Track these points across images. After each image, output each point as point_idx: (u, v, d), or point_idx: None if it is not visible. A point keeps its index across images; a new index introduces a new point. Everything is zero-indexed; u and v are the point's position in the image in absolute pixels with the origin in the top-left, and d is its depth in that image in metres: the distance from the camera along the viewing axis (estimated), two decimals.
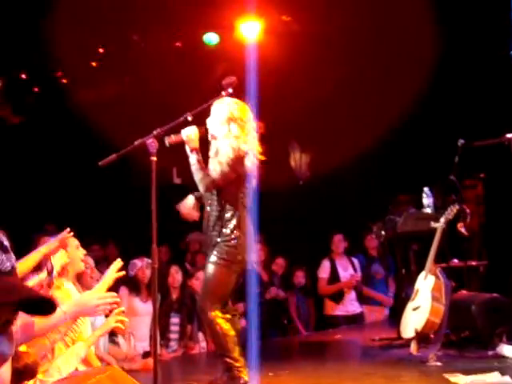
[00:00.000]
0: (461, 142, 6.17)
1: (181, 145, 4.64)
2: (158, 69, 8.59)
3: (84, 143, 8.77)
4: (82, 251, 4.18)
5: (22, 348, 3.21)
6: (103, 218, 8.74)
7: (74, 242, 4.11)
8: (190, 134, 4.55)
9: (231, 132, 4.55)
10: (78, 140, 8.99)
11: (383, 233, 6.46)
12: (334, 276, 8.19)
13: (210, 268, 4.52)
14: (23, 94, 9.28)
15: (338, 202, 8.82)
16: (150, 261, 6.53)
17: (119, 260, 3.55)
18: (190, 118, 4.26)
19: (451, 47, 7.84)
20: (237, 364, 4.37)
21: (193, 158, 4.56)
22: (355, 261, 8.34)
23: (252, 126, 4.66)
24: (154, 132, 4.07)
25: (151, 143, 4.01)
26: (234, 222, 4.51)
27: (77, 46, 8.45)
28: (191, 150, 4.57)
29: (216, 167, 4.52)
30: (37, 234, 5.56)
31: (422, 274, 5.56)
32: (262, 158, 4.65)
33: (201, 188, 4.57)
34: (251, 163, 4.57)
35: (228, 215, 4.52)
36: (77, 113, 8.70)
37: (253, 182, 4.65)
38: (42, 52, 8.41)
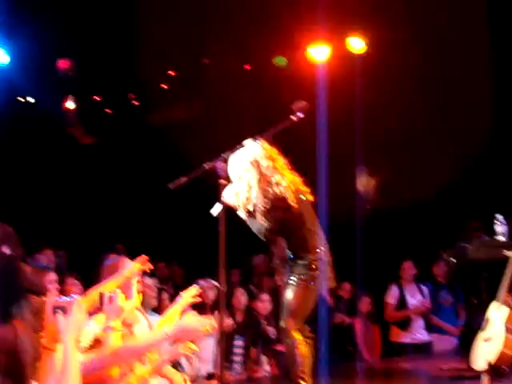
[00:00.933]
0: None
1: None
2: (228, 91, 8.68)
3: (154, 164, 8.92)
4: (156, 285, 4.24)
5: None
6: (171, 239, 8.84)
7: (129, 264, 4.17)
8: (227, 196, 4.43)
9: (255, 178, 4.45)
10: (148, 161, 9.15)
11: (454, 260, 6.31)
12: (402, 302, 8.02)
13: (291, 288, 4.49)
14: (96, 116, 9.53)
15: (408, 229, 8.67)
16: (214, 282, 6.61)
17: (196, 286, 3.62)
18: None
19: None
20: None
21: (241, 214, 4.52)
22: (424, 288, 8.16)
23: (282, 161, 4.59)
24: (224, 155, 4.10)
25: (220, 166, 4.03)
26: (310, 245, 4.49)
27: (149, 69, 8.64)
28: (235, 208, 4.50)
29: (262, 221, 4.47)
30: (107, 252, 5.66)
31: (494, 304, 5.39)
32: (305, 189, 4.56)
33: (262, 238, 4.56)
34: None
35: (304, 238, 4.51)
36: (148, 135, 8.87)
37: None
38: (116, 75, 8.64)
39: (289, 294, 4.49)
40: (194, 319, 3.29)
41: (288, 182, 4.47)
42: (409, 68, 7.93)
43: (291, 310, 4.46)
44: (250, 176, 4.43)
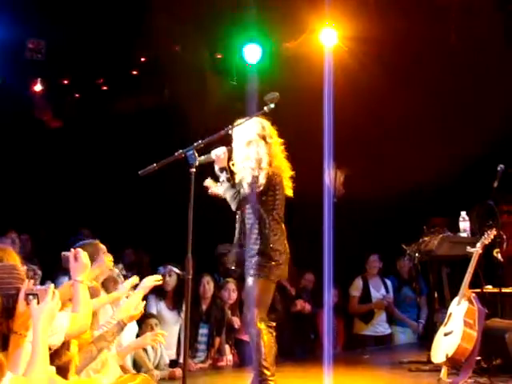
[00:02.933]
0: (500, 167, 6.11)
1: None
2: (198, 80, 8.65)
3: (124, 150, 8.86)
4: (109, 257, 4.24)
5: (73, 348, 3.29)
6: (138, 225, 8.80)
7: (102, 248, 4.20)
8: (219, 153, 4.63)
9: (251, 153, 4.64)
10: (117, 147, 9.08)
11: (417, 255, 6.40)
12: (366, 295, 8.14)
13: (252, 281, 4.58)
14: (64, 100, 9.42)
15: (375, 223, 8.76)
16: (174, 268, 6.61)
17: (159, 277, 3.84)
18: (230, 132, 4.28)
19: None
20: (271, 378, 4.46)
21: (222, 177, 4.66)
22: (388, 282, 8.28)
23: (279, 143, 4.74)
24: (195, 144, 4.09)
25: (191, 155, 4.03)
26: (270, 237, 4.59)
27: (118, 55, 8.56)
28: (220, 169, 4.66)
29: (243, 186, 4.63)
30: (73, 237, 5.62)
31: (456, 299, 5.49)
32: (290, 173, 4.75)
33: (233, 206, 4.67)
34: (271, 180, 4.61)
35: (265, 231, 4.59)
36: (117, 120, 8.79)
37: (282, 195, 4.71)
38: (85, 59, 8.54)
39: (250, 287, 4.57)
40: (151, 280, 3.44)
41: (279, 170, 4.64)
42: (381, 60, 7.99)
43: (254, 302, 4.54)
44: (253, 148, 4.62)
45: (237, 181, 4.70)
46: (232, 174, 4.74)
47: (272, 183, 4.59)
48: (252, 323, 4.52)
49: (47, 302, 2.62)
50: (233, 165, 4.74)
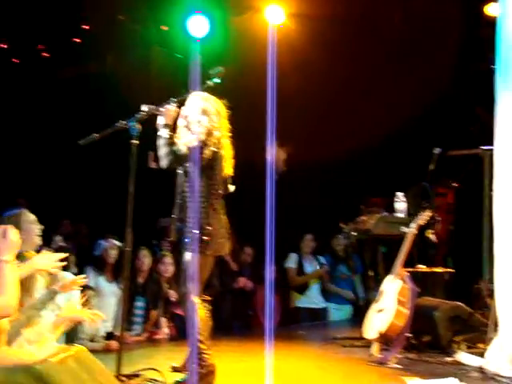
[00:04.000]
0: (437, 150, 6.26)
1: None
2: (144, 50, 8.55)
3: (63, 119, 8.71)
4: (38, 226, 4.16)
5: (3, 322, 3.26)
6: (77, 196, 8.69)
7: (29, 217, 4.12)
8: (169, 108, 4.51)
9: (202, 123, 4.54)
10: (56, 116, 8.92)
11: (354, 234, 6.52)
12: (300, 270, 8.27)
13: (189, 255, 4.51)
14: (3, 64, 9.17)
15: (312, 201, 8.87)
16: (115, 242, 6.58)
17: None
18: (174, 105, 4.25)
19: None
20: (207, 351, 4.44)
21: (164, 132, 4.49)
22: (322, 259, 8.42)
23: (226, 123, 4.68)
24: (137, 115, 4.07)
25: (133, 126, 4.00)
26: (207, 210, 4.54)
27: (60, 22, 8.38)
28: (164, 125, 4.51)
29: (182, 146, 4.52)
30: (10, 209, 5.50)
31: (389, 277, 5.63)
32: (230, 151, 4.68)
33: (164, 162, 4.51)
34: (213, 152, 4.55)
35: (202, 204, 4.54)
36: (58, 88, 8.62)
37: (222, 171, 4.65)
38: (25, 23, 8.33)
39: (187, 261, 4.52)
40: (45, 257, 3.45)
41: (222, 147, 4.58)
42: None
43: (189, 274, 4.50)
44: (207, 117, 4.52)
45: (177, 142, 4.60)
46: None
47: (215, 157, 4.57)
48: (186, 297, 4.51)
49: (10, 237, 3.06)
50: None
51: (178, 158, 4.47)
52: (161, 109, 4.47)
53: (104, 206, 8.21)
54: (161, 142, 4.48)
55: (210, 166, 4.55)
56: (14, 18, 8.31)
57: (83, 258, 6.65)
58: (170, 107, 4.50)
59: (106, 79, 8.85)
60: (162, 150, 4.48)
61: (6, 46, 9.09)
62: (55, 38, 8.86)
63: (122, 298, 4.15)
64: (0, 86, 9.17)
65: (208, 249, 4.54)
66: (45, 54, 9.17)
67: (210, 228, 4.53)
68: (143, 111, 4.36)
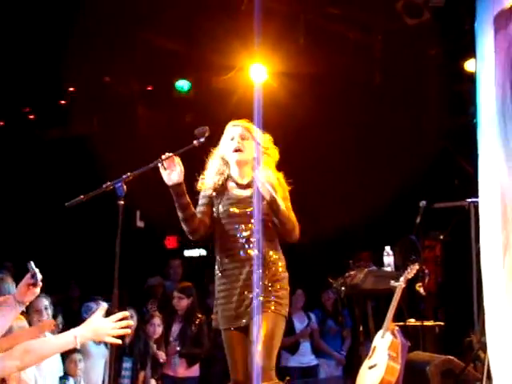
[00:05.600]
0: (423, 203, 6.30)
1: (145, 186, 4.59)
2: (130, 111, 8.64)
3: (48, 181, 8.72)
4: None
5: None
6: (66, 258, 8.64)
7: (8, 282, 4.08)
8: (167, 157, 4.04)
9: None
10: (42, 177, 8.93)
11: (343, 289, 6.50)
12: (290, 329, 8.19)
13: (267, 319, 3.99)
14: None
15: (300, 257, 8.86)
16: (104, 303, 6.51)
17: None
18: (161, 164, 4.23)
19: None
20: None
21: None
22: (312, 315, 8.37)
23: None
24: (123, 176, 4.06)
25: (120, 187, 3.99)
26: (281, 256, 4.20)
27: (46, 84, 8.47)
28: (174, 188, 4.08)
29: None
30: None
31: (380, 332, 5.59)
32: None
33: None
34: None
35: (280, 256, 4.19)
36: (43, 149, 8.66)
37: None
38: (9, 86, 8.40)
39: (267, 327, 3.99)
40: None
41: None
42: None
43: (270, 348, 4.01)
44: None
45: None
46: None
47: None
48: (268, 376, 4.00)
49: None
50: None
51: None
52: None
53: (92, 267, 8.16)
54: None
55: None
56: None
57: (72, 321, 6.57)
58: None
59: (93, 140, 8.91)
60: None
61: None
62: (41, 99, 8.94)
63: (110, 358, 4.07)
64: None
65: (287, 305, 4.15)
66: (30, 116, 9.24)
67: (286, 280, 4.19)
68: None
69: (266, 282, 4.03)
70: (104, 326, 3.13)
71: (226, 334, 4.14)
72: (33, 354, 3.01)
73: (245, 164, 4.23)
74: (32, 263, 3.38)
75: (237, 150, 4.19)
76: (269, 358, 3.95)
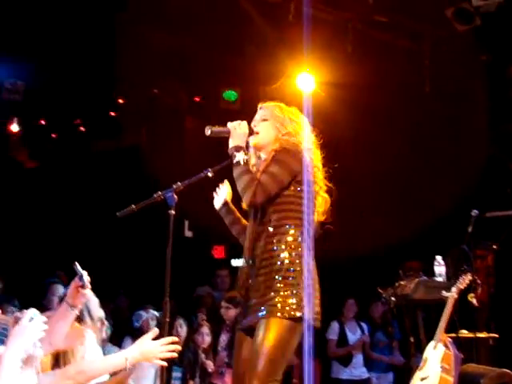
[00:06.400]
0: (474, 212, 6.19)
1: (196, 198, 4.59)
2: (178, 122, 8.72)
3: (100, 191, 8.85)
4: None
5: None
6: (116, 268, 8.75)
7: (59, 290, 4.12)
8: (240, 126, 3.73)
9: (285, 128, 3.77)
10: (93, 188, 9.07)
11: (393, 299, 6.41)
12: (343, 339, 8.13)
13: (266, 326, 3.52)
14: (41, 140, 9.42)
15: (350, 268, 8.79)
16: (155, 312, 6.57)
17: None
18: (210, 175, 4.22)
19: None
20: None
21: (239, 157, 3.64)
22: (364, 325, 8.29)
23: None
24: (174, 186, 4.08)
25: (170, 197, 4.01)
26: (297, 259, 3.59)
27: (96, 96, 8.61)
28: (237, 148, 3.67)
29: (271, 170, 3.62)
30: (48, 279, 5.56)
31: (432, 344, 5.50)
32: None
33: (247, 197, 3.62)
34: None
35: (286, 247, 3.60)
36: (94, 161, 8.80)
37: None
38: (62, 99, 8.58)
39: (261, 336, 3.52)
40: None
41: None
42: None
43: (265, 359, 3.49)
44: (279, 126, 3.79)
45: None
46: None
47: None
48: None
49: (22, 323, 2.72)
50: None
51: (264, 192, 3.57)
52: (229, 128, 3.75)
53: (141, 276, 8.24)
54: (237, 172, 3.65)
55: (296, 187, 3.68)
56: (51, 95, 8.57)
57: (122, 330, 6.65)
58: (240, 125, 3.74)
59: (142, 151, 9.02)
60: (242, 182, 3.62)
61: (44, 123, 9.35)
62: (91, 112, 9.10)
63: (160, 368, 4.10)
64: (41, 161, 9.40)
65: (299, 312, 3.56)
66: (81, 128, 9.41)
67: (302, 283, 3.62)
68: (208, 133, 3.78)
69: (261, 280, 3.59)
70: (153, 349, 3.17)
71: None
72: (85, 375, 3.10)
73: (262, 148, 3.81)
74: (77, 265, 3.41)
75: (251, 134, 3.79)
76: (265, 368, 3.46)
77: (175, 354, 3.29)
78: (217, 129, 3.80)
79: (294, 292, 3.55)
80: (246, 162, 3.68)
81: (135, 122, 9.15)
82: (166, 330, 3.96)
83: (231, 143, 3.74)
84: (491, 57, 7.79)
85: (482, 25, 6.93)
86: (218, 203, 4.10)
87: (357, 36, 7.63)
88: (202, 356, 6.88)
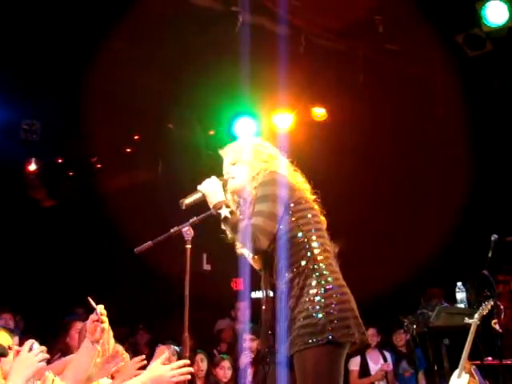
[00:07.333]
0: (494, 237, 6.13)
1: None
2: (193, 156, 8.76)
3: (116, 228, 8.88)
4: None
5: None
6: (134, 303, 8.74)
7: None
8: (208, 186, 3.70)
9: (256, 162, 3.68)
10: (110, 224, 9.11)
11: (414, 327, 6.34)
12: (365, 369, 8.02)
13: (302, 358, 3.28)
14: (59, 178, 9.50)
15: (370, 296, 8.72)
16: (176, 348, 6.53)
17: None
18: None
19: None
20: None
21: (224, 212, 3.57)
22: (387, 354, 8.18)
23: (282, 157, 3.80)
24: (190, 220, 4.08)
25: (187, 231, 4.00)
26: (318, 278, 3.36)
27: (112, 133, 8.68)
28: (217, 207, 3.61)
29: (259, 209, 3.48)
30: (68, 317, 5.56)
31: (456, 372, 5.42)
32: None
33: (250, 247, 3.49)
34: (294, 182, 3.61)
35: (306, 272, 3.39)
36: (110, 197, 8.85)
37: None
38: (78, 137, 8.66)
39: (303, 368, 3.27)
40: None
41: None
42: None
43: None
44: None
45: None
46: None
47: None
48: None
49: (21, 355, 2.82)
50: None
51: (267, 233, 3.41)
52: (197, 193, 3.71)
53: (162, 311, 8.22)
54: (230, 227, 3.57)
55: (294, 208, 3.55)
56: (67, 134, 8.66)
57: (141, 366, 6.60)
58: (208, 184, 3.69)
59: (158, 185, 9.06)
60: (239, 235, 3.51)
61: (61, 161, 9.44)
62: (106, 149, 9.17)
63: None
64: (59, 199, 9.47)
65: (338, 336, 3.30)
66: (98, 166, 9.48)
67: (335, 303, 3.40)
68: (184, 207, 3.75)
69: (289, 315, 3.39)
70: (164, 373, 3.15)
71: None
72: None
73: (242, 191, 3.73)
74: (91, 300, 3.42)
75: (227, 179, 3.75)
76: None
77: (189, 376, 3.24)
78: (189, 199, 3.76)
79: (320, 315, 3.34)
80: (233, 212, 3.60)
81: (151, 156, 9.21)
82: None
83: (210, 204, 3.68)
84: (505, 80, 7.79)
85: (494, 49, 6.93)
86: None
87: (368, 64, 7.67)
88: None
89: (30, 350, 2.82)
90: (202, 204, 3.82)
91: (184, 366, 3.18)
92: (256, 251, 3.56)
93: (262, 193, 3.53)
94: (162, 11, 6.70)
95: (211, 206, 3.67)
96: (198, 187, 3.72)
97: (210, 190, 3.67)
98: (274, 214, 3.47)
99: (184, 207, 3.78)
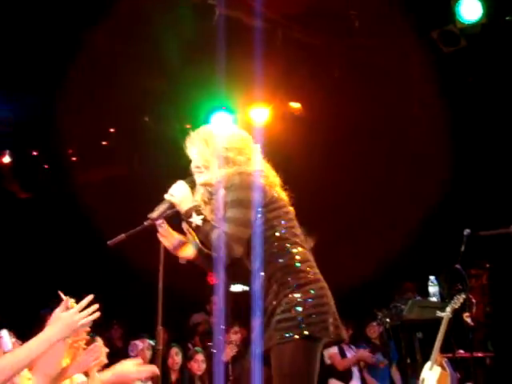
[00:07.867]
0: (467, 231, 6.20)
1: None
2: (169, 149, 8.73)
3: (91, 221, 8.84)
4: None
5: None
6: (108, 297, 8.70)
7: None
8: (175, 193, 3.46)
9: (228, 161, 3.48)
10: (85, 217, 9.06)
11: (388, 320, 6.41)
12: (342, 354, 8.05)
13: (278, 352, 3.26)
14: (33, 170, 9.43)
15: (343, 288, 8.77)
16: (151, 341, 6.53)
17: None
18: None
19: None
20: None
21: (195, 220, 3.37)
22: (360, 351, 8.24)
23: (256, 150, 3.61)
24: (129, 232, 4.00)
25: (161, 224, 3.99)
26: (295, 274, 3.34)
27: (88, 126, 8.63)
28: (187, 214, 3.41)
29: (233, 215, 3.34)
30: (43, 310, 5.54)
31: (428, 364, 5.48)
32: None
33: (225, 255, 3.34)
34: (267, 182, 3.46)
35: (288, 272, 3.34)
36: (86, 190, 8.80)
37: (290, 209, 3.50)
38: (53, 130, 8.60)
39: (279, 360, 3.26)
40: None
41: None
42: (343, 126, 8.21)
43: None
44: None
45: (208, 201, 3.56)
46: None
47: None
48: None
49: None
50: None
51: (239, 239, 3.30)
52: (170, 201, 3.47)
53: (135, 305, 8.21)
54: (202, 235, 3.41)
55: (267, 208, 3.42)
56: (42, 126, 8.60)
57: (115, 360, 6.59)
58: (176, 190, 3.47)
59: (133, 178, 9.03)
60: (212, 243, 3.34)
61: (36, 153, 9.37)
62: (82, 141, 9.11)
63: None
64: (33, 191, 9.41)
65: (317, 330, 3.27)
66: (73, 158, 9.42)
67: (315, 296, 3.35)
68: (151, 219, 3.53)
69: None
70: (126, 370, 3.16)
71: None
72: None
73: (212, 184, 3.53)
74: (61, 293, 3.40)
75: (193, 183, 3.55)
76: None
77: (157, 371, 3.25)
78: (157, 212, 3.51)
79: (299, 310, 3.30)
80: (205, 219, 3.38)
81: (126, 150, 9.17)
82: (159, 358, 3.95)
83: (181, 211, 3.45)
84: (479, 77, 7.86)
85: (468, 46, 6.99)
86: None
87: (343, 60, 7.70)
88: (198, 383, 6.86)
89: (67, 308, 2.72)
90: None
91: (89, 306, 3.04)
92: (232, 259, 3.40)
93: (235, 196, 3.37)
94: (138, 4, 6.67)
95: (182, 214, 3.45)
96: (165, 196, 3.48)
97: (177, 197, 3.44)
98: (248, 221, 3.34)
99: (152, 222, 3.53)
